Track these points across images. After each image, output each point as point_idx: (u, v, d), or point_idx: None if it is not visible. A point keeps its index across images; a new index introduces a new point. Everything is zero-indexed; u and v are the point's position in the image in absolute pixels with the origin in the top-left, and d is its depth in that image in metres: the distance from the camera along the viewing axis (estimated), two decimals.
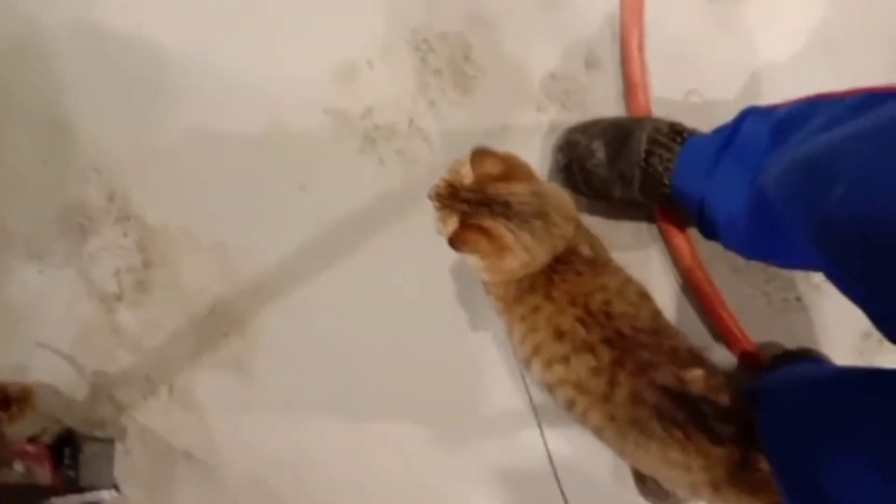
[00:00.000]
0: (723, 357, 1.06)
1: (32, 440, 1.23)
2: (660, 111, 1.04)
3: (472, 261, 0.88)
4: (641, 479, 1.09)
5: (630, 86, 1.05)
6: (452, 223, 0.84)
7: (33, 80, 1.26)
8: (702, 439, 0.79)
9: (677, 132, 0.95)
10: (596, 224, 1.04)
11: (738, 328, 1.05)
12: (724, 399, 0.81)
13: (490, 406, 1.16)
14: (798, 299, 1.07)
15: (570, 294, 0.86)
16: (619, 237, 1.08)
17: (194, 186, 1.22)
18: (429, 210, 0.88)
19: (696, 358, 0.85)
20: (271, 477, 1.24)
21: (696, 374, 0.81)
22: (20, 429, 1.25)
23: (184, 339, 1.25)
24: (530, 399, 1.11)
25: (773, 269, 1.06)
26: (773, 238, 0.79)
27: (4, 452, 1.20)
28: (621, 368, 0.81)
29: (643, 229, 1.09)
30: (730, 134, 0.89)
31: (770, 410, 0.82)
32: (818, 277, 1.06)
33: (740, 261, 1.06)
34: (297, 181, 1.18)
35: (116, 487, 1.28)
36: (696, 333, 1.08)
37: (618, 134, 0.99)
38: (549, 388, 0.89)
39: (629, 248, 1.07)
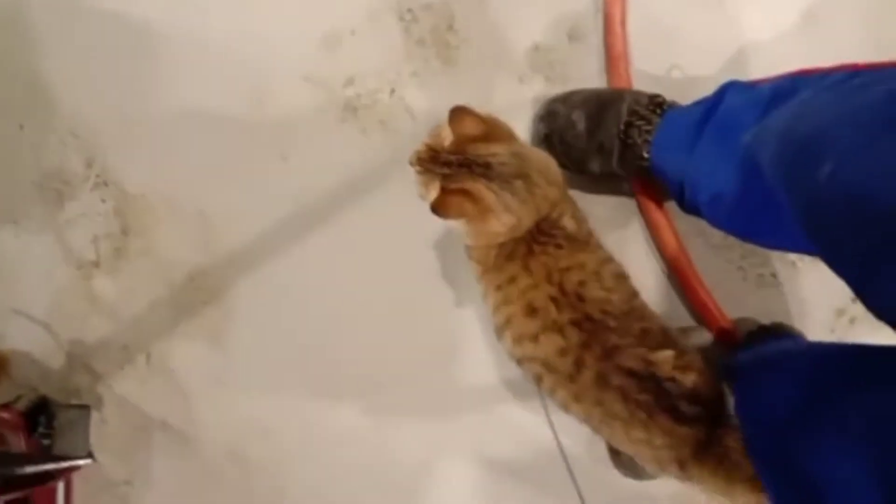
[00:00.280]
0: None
1: (6, 407, 1.22)
2: (642, 86, 1.04)
3: (456, 226, 0.88)
4: (616, 452, 1.10)
5: (612, 59, 1.05)
6: (434, 188, 0.84)
7: (10, 43, 1.24)
8: (666, 419, 0.81)
9: (657, 104, 0.96)
10: (576, 198, 1.04)
11: (714, 305, 1.06)
12: (690, 379, 0.82)
13: (471, 378, 1.16)
14: (773, 275, 1.08)
15: (548, 268, 0.86)
16: (599, 211, 1.07)
17: (174, 154, 1.21)
18: (411, 178, 0.88)
19: (668, 339, 0.86)
20: (248, 447, 1.24)
21: (664, 356, 0.82)
22: None
23: (162, 307, 1.25)
24: (547, 415, 1.12)
25: (749, 245, 1.06)
26: (763, 218, 0.79)
27: None
28: (588, 351, 0.82)
29: (622, 204, 1.09)
30: (709, 108, 0.88)
31: (746, 389, 0.83)
32: (793, 255, 1.07)
33: (717, 236, 1.07)
34: (278, 150, 1.17)
35: (91, 455, 1.27)
36: (673, 309, 1.09)
37: (598, 104, 0.99)
38: (518, 361, 0.90)
39: (608, 223, 1.07)
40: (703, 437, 0.82)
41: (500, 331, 0.90)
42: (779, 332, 1.03)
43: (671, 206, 1.05)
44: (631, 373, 0.81)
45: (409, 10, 1.12)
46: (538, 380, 0.87)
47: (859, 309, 1.00)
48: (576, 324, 0.83)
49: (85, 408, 1.27)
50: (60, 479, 1.22)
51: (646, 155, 0.95)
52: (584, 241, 0.91)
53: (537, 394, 1.08)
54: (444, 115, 0.84)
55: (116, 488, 1.29)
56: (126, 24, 1.20)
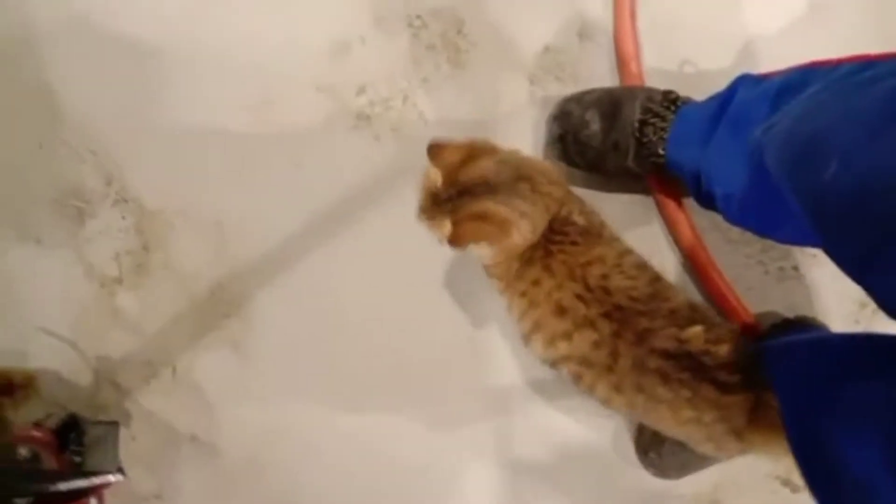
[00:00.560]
0: None
1: (38, 425, 1.23)
2: (655, 82, 1.04)
3: (479, 251, 0.88)
4: (643, 451, 1.09)
5: (623, 57, 1.05)
6: (446, 226, 0.84)
7: (25, 63, 1.26)
8: (710, 391, 0.80)
9: (671, 101, 0.95)
10: (591, 197, 1.04)
11: (736, 300, 1.05)
12: (724, 349, 0.82)
13: (492, 381, 1.16)
14: (794, 268, 1.07)
15: (569, 266, 0.86)
16: (615, 209, 1.07)
17: (190, 167, 1.22)
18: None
19: (696, 314, 0.86)
20: (275, 459, 1.25)
21: (694, 332, 0.82)
22: (24, 415, 1.26)
23: (185, 321, 1.26)
24: None
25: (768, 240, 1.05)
26: (772, 212, 0.79)
27: (10, 438, 1.21)
28: (621, 339, 0.83)
29: (639, 202, 1.09)
30: (723, 102, 0.88)
31: (778, 371, 0.82)
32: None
33: (735, 231, 1.06)
34: (292, 159, 1.18)
35: (122, 471, 1.28)
36: None
37: (611, 103, 0.98)
38: (553, 364, 0.89)
39: (625, 221, 1.07)
40: (752, 402, 0.82)
41: (527, 337, 0.90)
42: (803, 326, 1.02)
43: (688, 201, 1.05)
44: (666, 354, 0.81)
45: (418, 17, 1.13)
46: (577, 378, 0.87)
47: None
48: (606, 315, 0.83)
49: (113, 424, 1.28)
50: (93, 496, 1.23)
51: (661, 152, 0.95)
52: (597, 234, 0.91)
53: (563, 394, 1.08)
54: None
55: (147, 503, 1.31)
56: (138, 40, 1.21)
